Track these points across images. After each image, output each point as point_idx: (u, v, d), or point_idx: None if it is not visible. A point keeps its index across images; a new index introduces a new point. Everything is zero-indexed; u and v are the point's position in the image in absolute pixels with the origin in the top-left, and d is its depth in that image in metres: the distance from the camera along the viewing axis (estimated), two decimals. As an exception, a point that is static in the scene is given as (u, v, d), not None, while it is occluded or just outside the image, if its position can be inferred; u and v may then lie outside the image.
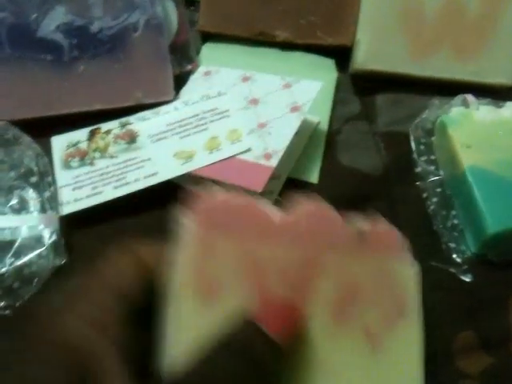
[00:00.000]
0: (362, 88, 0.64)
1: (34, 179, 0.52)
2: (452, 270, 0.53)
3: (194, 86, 0.61)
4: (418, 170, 0.57)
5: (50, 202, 0.52)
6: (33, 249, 0.49)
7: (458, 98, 0.58)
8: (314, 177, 0.57)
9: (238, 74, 0.60)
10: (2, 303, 0.48)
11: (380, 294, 0.34)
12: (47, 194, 0.52)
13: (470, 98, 0.58)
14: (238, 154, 0.54)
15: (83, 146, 0.56)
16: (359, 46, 0.61)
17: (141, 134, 0.56)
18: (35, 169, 0.52)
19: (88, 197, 0.53)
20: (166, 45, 0.59)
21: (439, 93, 0.60)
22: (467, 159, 0.53)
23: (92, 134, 0.57)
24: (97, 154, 0.55)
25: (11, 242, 0.49)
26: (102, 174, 0.54)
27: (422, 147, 0.58)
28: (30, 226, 0.50)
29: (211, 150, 0.54)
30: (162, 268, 0.33)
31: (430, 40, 0.61)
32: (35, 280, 0.49)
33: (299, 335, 0.31)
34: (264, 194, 0.52)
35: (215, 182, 0.53)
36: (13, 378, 0.28)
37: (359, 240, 0.34)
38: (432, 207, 0.56)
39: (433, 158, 0.58)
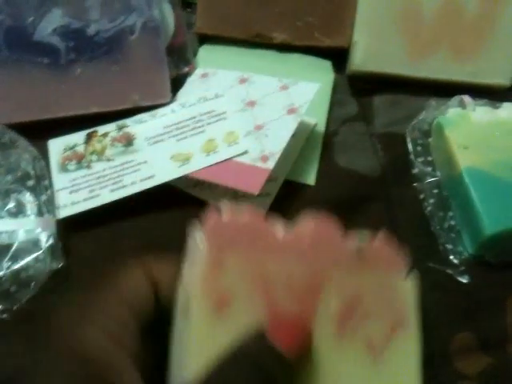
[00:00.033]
0: (359, 89, 0.64)
1: (30, 183, 0.52)
2: (449, 271, 0.53)
3: (191, 88, 0.61)
4: (415, 171, 0.57)
5: (46, 206, 0.52)
6: (30, 252, 0.49)
7: (455, 99, 0.58)
8: (311, 178, 0.57)
9: (235, 76, 0.60)
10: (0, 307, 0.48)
11: (380, 307, 0.35)
12: (44, 197, 0.52)
13: (466, 98, 0.58)
14: (234, 157, 0.54)
15: (80, 149, 0.56)
16: (356, 47, 0.61)
17: (138, 137, 0.56)
18: (32, 172, 0.52)
19: (85, 200, 0.53)
20: (163, 47, 0.59)
21: (436, 94, 0.60)
22: (464, 160, 0.53)
23: (89, 137, 0.57)
24: (94, 157, 0.55)
25: (8, 246, 0.49)
26: (98, 177, 0.54)
27: (418, 148, 0.58)
28: (26, 230, 0.50)
29: (208, 152, 0.54)
30: (174, 283, 0.34)
31: (427, 41, 0.61)
32: (32, 284, 0.49)
33: (306, 349, 0.32)
34: (261, 196, 0.52)
35: (212, 184, 0.53)
36: None
37: (358, 256, 0.35)
38: (429, 208, 0.56)
39: (430, 159, 0.58)
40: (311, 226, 0.36)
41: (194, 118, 0.57)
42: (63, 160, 0.56)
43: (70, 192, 0.53)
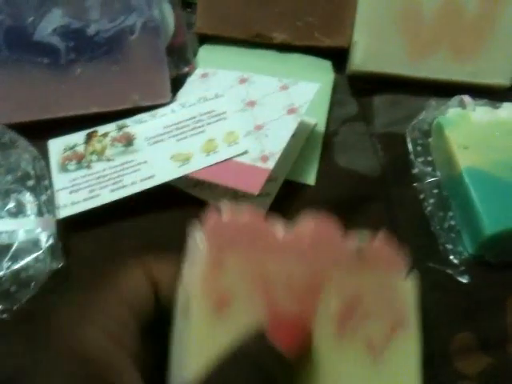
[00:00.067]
0: (359, 89, 0.64)
1: (30, 183, 0.52)
2: (449, 271, 0.53)
3: (191, 88, 0.61)
4: (415, 171, 0.57)
5: (46, 206, 0.52)
6: (30, 252, 0.49)
7: (455, 99, 0.58)
8: (311, 178, 0.57)
9: (235, 76, 0.60)
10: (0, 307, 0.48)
11: (380, 307, 0.35)
12: (44, 197, 0.52)
13: (466, 98, 0.58)
14: (234, 157, 0.54)
15: (80, 149, 0.56)
16: (356, 47, 0.61)
17: (138, 137, 0.56)
18: (32, 172, 0.52)
19: (85, 200, 0.53)
20: (163, 47, 0.59)
21: (436, 94, 0.60)
22: (464, 160, 0.53)
23: (89, 137, 0.57)
24: (94, 157, 0.55)
25: (8, 246, 0.49)
26: (98, 177, 0.54)
27: (418, 148, 0.58)
28: (26, 230, 0.50)
29: (208, 152, 0.54)
30: (174, 283, 0.34)
31: (427, 41, 0.61)
32: (32, 284, 0.49)
33: (306, 349, 0.32)
34: (261, 196, 0.52)
35: (212, 184, 0.53)
36: None
37: (358, 256, 0.35)
38: (429, 208, 0.56)
39: (430, 159, 0.58)
40: (311, 226, 0.36)
41: (194, 118, 0.57)
42: (63, 160, 0.56)
43: (70, 192, 0.53)
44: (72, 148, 0.56)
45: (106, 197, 0.53)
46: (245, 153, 0.54)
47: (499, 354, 0.50)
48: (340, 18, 0.63)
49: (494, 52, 0.61)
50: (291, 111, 0.55)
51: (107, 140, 0.56)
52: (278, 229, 0.35)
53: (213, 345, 0.30)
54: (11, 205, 0.51)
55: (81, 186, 0.54)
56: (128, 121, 0.58)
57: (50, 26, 0.57)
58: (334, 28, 0.63)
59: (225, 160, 0.54)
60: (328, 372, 0.33)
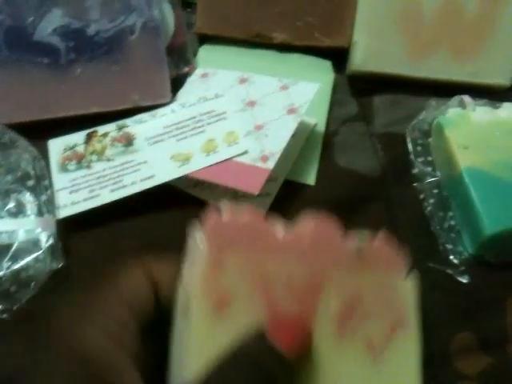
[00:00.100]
0: (359, 89, 0.64)
1: (30, 183, 0.52)
2: (449, 271, 0.53)
3: (191, 88, 0.61)
4: (415, 171, 0.57)
5: (46, 206, 0.52)
6: (30, 252, 0.49)
7: (455, 99, 0.58)
8: (311, 178, 0.57)
9: (235, 76, 0.60)
10: (0, 307, 0.48)
11: (380, 307, 0.35)
12: (44, 197, 0.52)
13: (466, 98, 0.58)
14: (234, 157, 0.54)
15: (80, 149, 0.56)
16: (356, 47, 0.61)
17: (138, 137, 0.56)
18: (32, 172, 0.52)
19: (85, 200, 0.53)
20: (163, 47, 0.59)
21: (436, 94, 0.60)
22: (464, 160, 0.53)
23: (89, 137, 0.57)
24: (94, 157, 0.55)
25: (8, 246, 0.49)
26: (98, 177, 0.54)
27: (418, 148, 0.58)
28: (26, 230, 0.50)
29: (208, 152, 0.54)
30: (174, 283, 0.34)
31: (427, 41, 0.61)
32: (32, 284, 0.49)
33: (306, 349, 0.32)
34: (261, 196, 0.52)
35: (212, 184, 0.53)
36: None
37: (358, 256, 0.35)
38: (429, 208, 0.56)
39: (430, 159, 0.58)
40: (311, 225, 0.35)
41: (194, 118, 0.57)
42: (63, 160, 0.56)
43: (70, 192, 0.53)
44: (72, 148, 0.56)
45: (106, 197, 0.53)
46: (245, 153, 0.54)
47: (499, 354, 0.50)
48: (340, 17, 0.63)
49: (494, 52, 0.61)
50: (291, 111, 0.55)
51: (107, 140, 0.56)
52: (278, 229, 0.35)
53: (213, 345, 0.30)
54: (11, 205, 0.51)
55: (81, 186, 0.54)
56: (128, 121, 0.58)
57: (49, 25, 0.57)
58: (334, 28, 0.63)
59: (225, 160, 0.54)
60: (328, 372, 0.33)
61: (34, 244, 0.50)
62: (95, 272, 0.51)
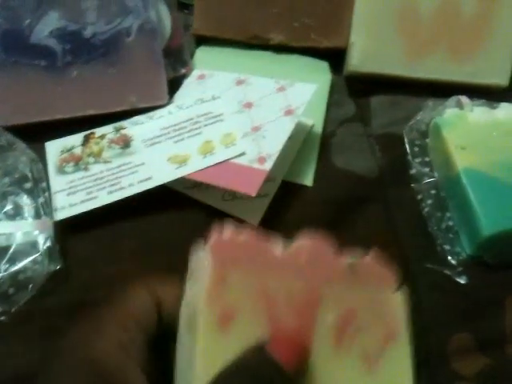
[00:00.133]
0: (356, 90, 0.64)
1: (28, 185, 0.52)
2: (447, 271, 0.53)
3: (188, 89, 0.61)
4: (413, 171, 0.57)
5: (44, 208, 0.52)
6: (28, 254, 0.49)
7: (452, 100, 0.58)
8: (308, 179, 0.57)
9: (232, 78, 0.60)
10: (-2, 309, 0.48)
11: (373, 320, 0.36)
12: (42, 199, 0.52)
13: (464, 99, 0.58)
14: (232, 158, 0.54)
15: (77, 151, 0.56)
16: (353, 48, 0.61)
17: (135, 139, 0.56)
18: (29, 174, 0.52)
19: (82, 202, 0.53)
20: (160, 49, 0.59)
21: (433, 94, 0.60)
22: (461, 161, 0.53)
23: (86, 139, 0.57)
24: (91, 159, 0.55)
25: (6, 248, 0.49)
26: (96, 179, 0.54)
27: (416, 149, 0.58)
28: (24, 232, 0.50)
29: (205, 154, 0.54)
30: (176, 303, 0.35)
31: (425, 41, 0.61)
32: (30, 286, 0.49)
33: (304, 362, 0.33)
34: (259, 196, 0.52)
35: (210, 185, 0.53)
36: None
37: (351, 271, 0.37)
38: (427, 209, 0.56)
39: (427, 159, 0.58)
40: (307, 243, 0.37)
41: (191, 119, 0.57)
42: (60, 162, 0.56)
43: (68, 194, 0.54)
44: (69, 150, 0.56)
45: (104, 199, 0.53)
46: (242, 154, 0.54)
47: (497, 354, 0.50)
48: (337, 18, 0.63)
49: (492, 52, 0.61)
50: (288, 112, 0.55)
51: (104, 142, 0.56)
52: (277, 246, 0.36)
53: (218, 358, 0.31)
54: (9, 207, 0.51)
55: (78, 188, 0.54)
56: (125, 123, 0.58)
57: (46, 28, 0.57)
58: (331, 29, 0.63)
59: (222, 161, 0.54)
60: (327, 382, 0.33)
61: (32, 246, 0.50)
62: (94, 273, 0.51)
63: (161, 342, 0.35)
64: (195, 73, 0.62)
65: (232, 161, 0.54)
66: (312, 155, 0.58)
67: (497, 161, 0.53)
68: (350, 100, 0.63)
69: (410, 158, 0.58)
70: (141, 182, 0.53)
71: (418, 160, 0.58)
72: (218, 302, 0.33)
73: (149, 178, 0.54)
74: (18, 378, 0.47)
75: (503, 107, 0.57)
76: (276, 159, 0.52)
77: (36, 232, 0.50)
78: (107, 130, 0.57)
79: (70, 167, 0.55)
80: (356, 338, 0.35)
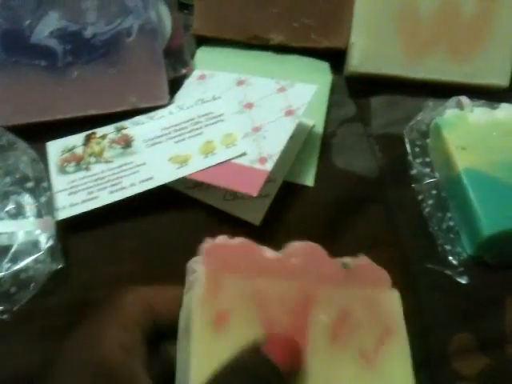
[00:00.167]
0: (356, 90, 0.64)
1: (29, 184, 0.52)
2: (448, 272, 0.53)
3: (189, 90, 0.61)
4: (414, 172, 0.57)
5: (46, 207, 0.52)
6: (29, 254, 0.49)
7: (453, 100, 0.58)
8: (309, 180, 0.57)
9: (232, 78, 0.60)
10: (0, 308, 0.48)
11: (368, 317, 0.36)
12: (43, 199, 0.52)
13: (464, 99, 0.58)
14: (233, 158, 0.54)
15: (79, 150, 0.56)
16: (354, 48, 0.61)
17: (136, 139, 0.56)
18: (31, 174, 0.52)
19: (84, 202, 0.53)
20: (161, 49, 0.59)
21: (434, 95, 0.61)
22: (462, 161, 0.53)
23: (87, 139, 0.57)
24: (92, 159, 0.56)
25: (8, 247, 0.50)
26: (97, 179, 0.54)
27: (417, 149, 0.58)
28: (26, 231, 0.50)
29: (206, 154, 0.54)
30: (169, 308, 0.36)
31: (425, 42, 0.61)
32: (32, 285, 0.49)
33: (299, 361, 0.33)
34: (260, 197, 0.52)
35: (211, 185, 0.53)
36: None
37: (344, 272, 0.37)
38: (427, 209, 0.56)
39: (428, 160, 0.58)
40: (299, 246, 0.38)
41: (192, 119, 0.57)
42: (62, 162, 0.56)
43: (69, 194, 0.54)
44: (70, 150, 0.56)
45: (105, 198, 0.53)
46: (243, 154, 0.54)
47: (497, 354, 0.50)
48: (337, 19, 0.63)
49: (492, 52, 0.61)
50: (289, 113, 0.55)
51: (105, 142, 0.56)
52: (268, 252, 0.37)
53: (213, 359, 0.31)
54: (10, 206, 0.51)
55: (79, 188, 0.54)
56: (126, 123, 0.58)
57: (46, 28, 0.57)
58: (331, 29, 0.63)
59: (223, 162, 0.54)
60: (326, 380, 0.34)
61: (34, 245, 0.50)
62: (95, 272, 0.51)
63: (156, 344, 0.36)
64: (196, 73, 0.62)
65: (233, 161, 0.54)
66: (313, 156, 0.59)
67: (497, 161, 0.53)
68: (350, 100, 0.63)
69: (410, 158, 0.58)
70: (142, 181, 0.54)
71: (418, 160, 0.58)
72: (211, 304, 0.34)
73: (150, 178, 0.54)
74: (18, 378, 0.47)
75: (503, 108, 0.57)
76: (277, 159, 0.52)
77: (38, 231, 0.50)
78: (108, 129, 0.57)
79: (71, 167, 0.55)
80: (352, 336, 0.35)
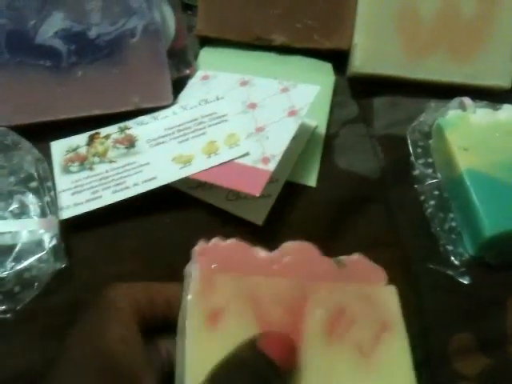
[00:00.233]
0: (359, 91, 0.64)
1: (33, 184, 0.52)
2: (450, 272, 0.53)
3: (192, 90, 0.61)
4: (416, 172, 0.58)
5: (49, 207, 0.52)
6: (33, 253, 0.50)
7: (455, 101, 0.58)
8: (312, 180, 0.57)
9: (235, 79, 0.60)
10: (3, 307, 0.49)
11: (364, 313, 0.36)
12: (47, 198, 0.52)
13: (466, 100, 0.58)
14: (236, 158, 0.54)
15: (82, 150, 0.56)
16: (356, 49, 0.62)
17: (139, 139, 0.57)
18: (35, 174, 0.53)
19: (87, 201, 0.53)
20: (164, 50, 0.59)
21: (436, 95, 0.61)
22: (464, 162, 0.53)
23: (91, 139, 0.57)
24: (96, 159, 0.56)
25: (12, 247, 0.50)
26: (101, 179, 0.54)
27: (419, 150, 0.59)
28: (30, 231, 0.50)
29: (209, 154, 0.55)
30: (156, 301, 0.37)
31: (426, 43, 0.61)
32: (35, 284, 0.49)
33: (295, 357, 0.33)
34: (262, 197, 0.53)
35: (214, 185, 0.53)
36: None
37: (339, 268, 0.38)
38: (429, 210, 0.56)
39: (430, 160, 0.58)
40: (293, 245, 0.38)
41: (196, 120, 0.57)
42: (66, 162, 0.56)
43: (73, 193, 0.54)
44: (74, 150, 0.56)
45: (109, 198, 0.53)
46: (246, 155, 0.54)
47: (499, 354, 0.51)
48: (339, 20, 0.63)
49: (492, 54, 0.61)
50: (292, 113, 0.55)
51: (109, 142, 0.57)
52: (261, 252, 0.38)
53: (208, 356, 0.32)
54: (14, 206, 0.51)
55: (83, 188, 0.54)
56: (130, 123, 0.58)
57: (51, 29, 0.58)
58: (334, 30, 0.64)
59: (226, 162, 0.54)
60: (321, 376, 0.34)
61: (38, 245, 0.50)
62: (95, 272, 0.51)
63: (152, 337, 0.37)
64: (199, 73, 0.63)
65: (236, 161, 0.54)
66: (315, 156, 0.59)
67: (499, 162, 0.53)
68: (352, 101, 0.63)
69: (412, 158, 0.58)
70: (145, 181, 0.54)
71: (420, 161, 0.58)
72: (205, 303, 0.34)
73: (153, 178, 0.54)
74: (18, 378, 0.47)
75: (506, 109, 0.57)
76: (280, 160, 0.52)
77: (41, 231, 0.50)
78: (112, 130, 0.58)
79: (75, 167, 0.56)
80: (348, 332, 0.35)
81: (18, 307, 0.49)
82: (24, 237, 0.50)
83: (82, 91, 0.58)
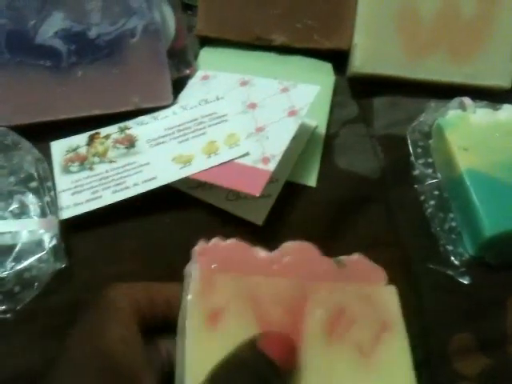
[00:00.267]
0: (359, 91, 0.64)
1: (33, 184, 0.52)
2: (450, 272, 0.53)
3: (192, 90, 0.61)
4: (416, 172, 0.58)
5: (49, 207, 0.52)
6: (33, 253, 0.50)
7: (455, 101, 0.58)
8: (312, 180, 0.57)
9: (235, 79, 0.60)
10: (3, 307, 0.49)
11: (364, 313, 0.36)
12: (47, 198, 0.52)
13: (466, 100, 0.58)
14: (236, 158, 0.54)
15: (82, 150, 0.56)
16: (356, 49, 0.62)
17: (139, 139, 0.57)
18: (35, 174, 0.53)
19: (87, 201, 0.53)
20: (164, 50, 0.59)
21: (436, 96, 0.61)
22: (464, 162, 0.53)
23: (91, 139, 0.57)
24: (96, 159, 0.56)
25: (12, 247, 0.50)
26: (101, 179, 0.54)
27: (419, 150, 0.59)
28: (30, 231, 0.50)
29: (209, 154, 0.55)
30: (157, 301, 0.38)
31: (426, 43, 0.61)
32: (35, 284, 0.49)
33: (295, 357, 0.33)
34: (262, 197, 0.53)
35: (214, 185, 0.53)
36: None
37: (338, 268, 0.38)
38: (429, 210, 0.56)
39: (430, 160, 0.58)
40: (292, 245, 0.38)
41: (196, 120, 0.57)
42: (66, 162, 0.56)
43: (73, 193, 0.54)
44: (74, 150, 0.56)
45: (109, 198, 0.53)
46: (246, 155, 0.54)
47: (499, 354, 0.51)
48: (339, 20, 0.63)
49: (492, 54, 0.61)
50: (292, 113, 0.55)
51: (109, 142, 0.57)
52: (261, 252, 0.38)
53: (208, 356, 0.32)
54: (14, 206, 0.51)
55: (83, 188, 0.54)
56: (130, 123, 0.58)
57: (51, 29, 0.58)
58: (334, 30, 0.64)
59: (226, 162, 0.54)
60: (321, 375, 0.34)
61: (38, 245, 0.50)
62: (95, 272, 0.51)
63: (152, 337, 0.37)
64: (199, 73, 0.63)
65: (236, 161, 0.54)
66: (315, 156, 0.59)
67: (499, 162, 0.53)
68: (352, 101, 0.63)
69: (412, 158, 0.58)
70: (145, 181, 0.54)
71: (420, 161, 0.58)
72: (205, 303, 0.34)
73: (153, 178, 0.54)
74: (18, 378, 0.47)
75: (506, 109, 0.57)
76: (280, 160, 0.52)
77: (41, 231, 0.50)
78: (112, 130, 0.58)
79: (75, 167, 0.56)
80: (348, 331, 0.35)
81: (18, 307, 0.49)
82: (24, 237, 0.50)
83: (82, 91, 0.58)
